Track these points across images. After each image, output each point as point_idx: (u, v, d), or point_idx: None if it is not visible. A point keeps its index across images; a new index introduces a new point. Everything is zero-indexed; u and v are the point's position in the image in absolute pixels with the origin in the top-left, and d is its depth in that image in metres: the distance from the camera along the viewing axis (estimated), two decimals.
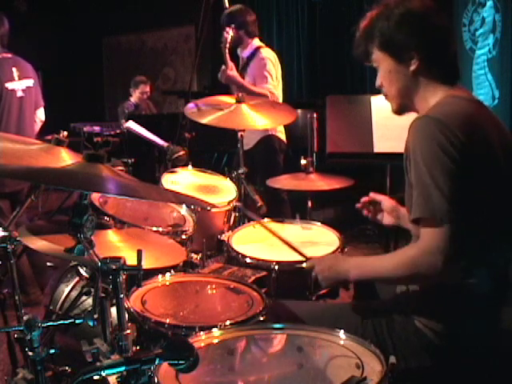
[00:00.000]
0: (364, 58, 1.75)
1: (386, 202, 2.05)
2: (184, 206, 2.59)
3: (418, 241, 1.57)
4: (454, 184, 1.49)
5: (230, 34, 3.94)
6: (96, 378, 1.11)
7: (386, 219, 2.06)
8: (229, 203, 2.74)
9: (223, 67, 3.99)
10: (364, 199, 2.10)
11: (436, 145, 1.49)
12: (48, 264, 3.95)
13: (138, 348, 1.66)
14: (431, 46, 1.64)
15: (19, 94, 3.74)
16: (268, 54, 4.14)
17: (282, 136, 4.26)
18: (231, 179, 2.91)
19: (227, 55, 3.98)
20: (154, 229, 2.33)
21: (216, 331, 1.57)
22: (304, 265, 2.00)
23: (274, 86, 4.05)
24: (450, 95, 1.64)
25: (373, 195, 2.09)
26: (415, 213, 1.55)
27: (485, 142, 1.58)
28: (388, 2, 1.69)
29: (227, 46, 3.94)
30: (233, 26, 4.01)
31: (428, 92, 1.67)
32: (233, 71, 4.00)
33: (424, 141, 1.53)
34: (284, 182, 3.04)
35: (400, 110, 1.76)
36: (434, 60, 1.65)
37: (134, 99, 6.94)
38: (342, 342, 1.50)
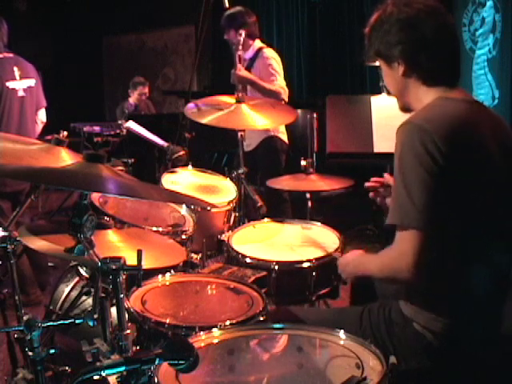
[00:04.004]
0: (374, 61, 1.80)
1: None
2: (184, 206, 2.59)
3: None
4: (427, 194, 1.50)
5: (242, 35, 3.92)
6: (96, 377, 1.10)
7: None
8: (229, 203, 2.74)
9: (233, 70, 3.97)
10: (378, 179, 2.06)
11: (413, 154, 1.52)
12: (49, 264, 3.97)
13: (138, 348, 1.66)
14: (415, 51, 1.66)
15: (20, 93, 3.73)
16: (271, 53, 4.15)
17: (284, 137, 4.27)
18: (231, 179, 2.91)
19: (237, 57, 3.96)
20: (154, 229, 2.33)
21: (216, 331, 1.57)
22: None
23: (283, 82, 4.05)
24: (441, 97, 1.65)
25: (388, 177, 2.06)
26: (388, 218, 1.59)
27: (475, 144, 1.59)
28: (385, 6, 1.70)
29: (240, 47, 3.93)
30: (244, 28, 3.99)
31: (420, 93, 1.69)
32: (242, 71, 3.99)
33: (404, 149, 1.55)
34: (284, 182, 3.04)
35: (404, 109, 1.80)
36: (421, 64, 1.66)
37: (132, 100, 6.95)
38: (342, 342, 1.50)
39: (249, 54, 4.18)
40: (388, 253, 1.63)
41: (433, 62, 1.67)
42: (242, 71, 3.95)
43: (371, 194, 2.07)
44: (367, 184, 2.07)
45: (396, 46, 1.67)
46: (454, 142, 1.54)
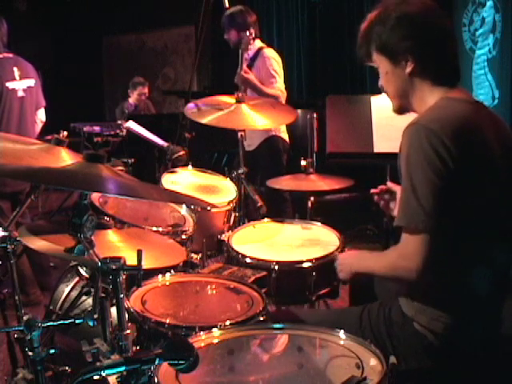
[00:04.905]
0: (366, 58, 1.77)
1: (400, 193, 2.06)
2: (184, 206, 2.59)
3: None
4: (435, 196, 1.50)
5: (252, 35, 3.89)
6: (96, 377, 1.10)
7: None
8: (229, 203, 2.74)
9: (239, 70, 3.96)
10: (382, 187, 2.08)
11: (422, 156, 1.51)
12: (50, 264, 3.97)
13: (138, 348, 1.66)
14: (426, 48, 1.64)
15: (20, 93, 3.73)
16: (272, 53, 4.15)
17: (285, 136, 4.28)
18: (231, 179, 2.91)
19: (243, 58, 3.94)
20: (154, 229, 2.33)
21: (216, 331, 1.57)
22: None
23: (282, 84, 4.05)
24: (445, 97, 1.64)
25: (390, 184, 2.07)
26: (396, 220, 1.59)
27: (480, 145, 1.59)
28: (387, 3, 1.69)
29: (250, 48, 3.92)
30: (251, 29, 3.97)
31: (424, 93, 1.67)
32: (249, 74, 3.97)
33: (412, 150, 1.54)
34: (284, 182, 3.04)
35: (399, 110, 1.77)
36: (430, 62, 1.65)
37: (132, 100, 6.95)
38: (342, 342, 1.50)
39: (249, 54, 4.18)
40: (393, 253, 1.63)
41: (440, 61, 1.66)
42: (248, 74, 3.94)
43: (376, 198, 2.09)
44: (374, 190, 2.09)
45: (406, 41, 1.63)
46: (462, 143, 1.53)
